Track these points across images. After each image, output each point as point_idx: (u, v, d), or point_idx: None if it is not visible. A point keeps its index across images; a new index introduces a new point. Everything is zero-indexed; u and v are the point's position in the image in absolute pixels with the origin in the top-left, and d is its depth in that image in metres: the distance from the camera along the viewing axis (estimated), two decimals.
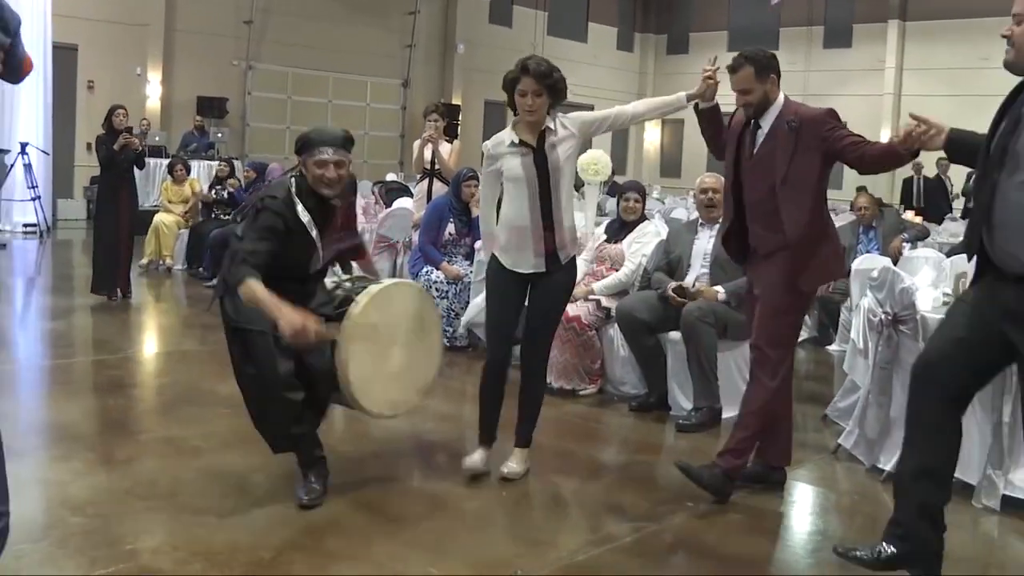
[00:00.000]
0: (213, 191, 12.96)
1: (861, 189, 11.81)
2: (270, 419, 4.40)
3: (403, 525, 4.31)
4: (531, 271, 4.85)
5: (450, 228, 7.97)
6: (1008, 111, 3.42)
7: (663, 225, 8.83)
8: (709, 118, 4.95)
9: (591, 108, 20.04)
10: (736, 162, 4.81)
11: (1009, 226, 3.31)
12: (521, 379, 5.05)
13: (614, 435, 6.16)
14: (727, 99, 4.77)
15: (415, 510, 4.52)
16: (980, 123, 3.55)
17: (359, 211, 7.25)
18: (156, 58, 19.36)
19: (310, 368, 4.35)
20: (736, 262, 5.35)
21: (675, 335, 6.32)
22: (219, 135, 19.08)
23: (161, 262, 12.55)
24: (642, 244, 6.96)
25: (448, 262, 7.89)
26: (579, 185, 10.64)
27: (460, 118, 23.21)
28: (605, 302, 6.78)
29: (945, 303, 5.28)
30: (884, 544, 3.73)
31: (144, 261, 12.27)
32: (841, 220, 11.51)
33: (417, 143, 9.13)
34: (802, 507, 4.96)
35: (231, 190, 12.62)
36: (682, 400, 6.35)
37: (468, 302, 7.71)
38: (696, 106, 4.95)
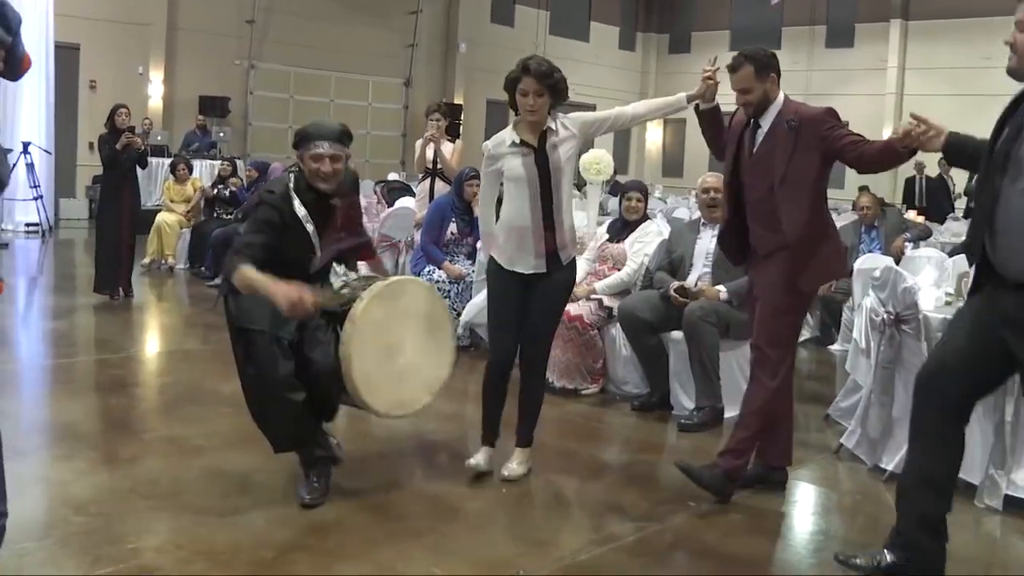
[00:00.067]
0: (215, 189, 12.97)
1: (863, 189, 11.81)
2: (270, 419, 4.40)
3: (405, 525, 4.31)
4: (531, 271, 4.85)
5: (452, 227, 7.97)
6: (1011, 117, 3.41)
7: (665, 225, 8.84)
8: (710, 119, 4.94)
9: (593, 108, 20.06)
10: (736, 162, 4.80)
11: (1011, 232, 3.30)
12: (521, 379, 5.05)
13: (616, 435, 6.16)
14: (728, 99, 4.77)
15: (417, 510, 4.52)
16: (982, 123, 3.55)
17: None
18: (158, 57, 19.38)
19: (314, 366, 4.31)
20: (732, 263, 5.36)
21: (677, 334, 6.32)
22: (221, 134, 19.09)
23: (163, 261, 12.56)
24: (644, 244, 6.95)
25: (450, 261, 7.89)
26: (581, 184, 10.61)
27: (462, 117, 23.21)
28: (607, 301, 6.78)
29: (947, 303, 5.29)
30: (885, 552, 3.74)
31: (146, 260, 12.28)
32: (843, 220, 11.52)
33: (419, 142, 9.13)
34: (804, 507, 4.95)
35: (233, 189, 12.63)
36: (684, 400, 6.35)
37: (470, 299, 7.71)
38: (697, 107, 4.95)
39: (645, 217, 7.19)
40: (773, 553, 4.38)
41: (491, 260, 4.96)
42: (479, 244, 7.47)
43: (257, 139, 21.09)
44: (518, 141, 4.76)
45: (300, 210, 4.36)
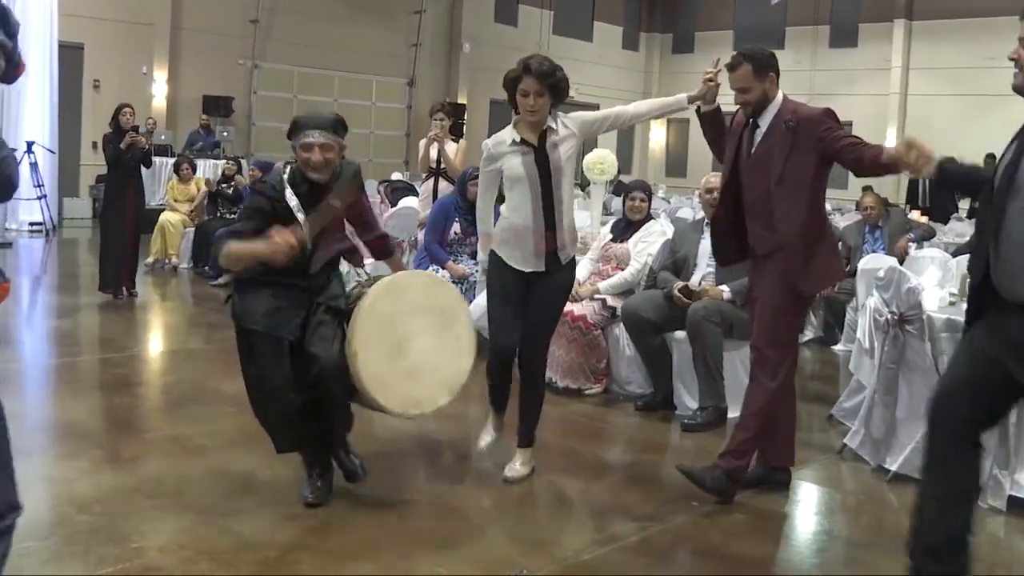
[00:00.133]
0: (218, 186, 12.98)
1: (867, 189, 11.80)
2: (271, 419, 4.39)
3: (408, 524, 4.31)
4: (531, 271, 4.85)
5: (456, 227, 7.97)
6: (1016, 139, 3.39)
7: (669, 224, 8.84)
8: (711, 120, 4.94)
9: (597, 107, 20.05)
10: (735, 162, 4.80)
11: (1014, 252, 3.28)
12: (521, 379, 5.04)
13: (619, 434, 6.16)
14: (729, 100, 4.77)
15: (421, 509, 4.52)
16: (986, 122, 3.57)
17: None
18: (162, 57, 19.40)
19: (316, 363, 4.22)
20: (720, 263, 5.36)
21: (681, 334, 6.31)
22: (225, 134, 19.12)
23: (167, 261, 12.57)
24: (648, 243, 6.95)
25: (454, 261, 7.89)
26: (585, 184, 10.61)
27: (466, 117, 23.21)
28: (611, 301, 6.78)
29: (951, 303, 5.29)
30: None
31: (150, 260, 12.29)
32: (847, 220, 11.54)
33: (423, 142, 9.12)
34: (807, 507, 4.95)
35: (238, 187, 12.63)
36: (688, 400, 6.35)
37: (473, 299, 7.71)
38: (698, 109, 4.95)
39: (649, 217, 7.19)
40: (776, 553, 4.38)
41: (492, 254, 4.95)
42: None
43: (261, 139, 21.09)
44: (518, 140, 4.76)
45: (292, 200, 4.31)
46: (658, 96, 5.39)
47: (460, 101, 24.03)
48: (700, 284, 6.40)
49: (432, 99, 18.78)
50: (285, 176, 4.39)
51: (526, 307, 4.86)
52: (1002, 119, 3.41)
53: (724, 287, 6.26)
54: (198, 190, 13.14)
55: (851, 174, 4.95)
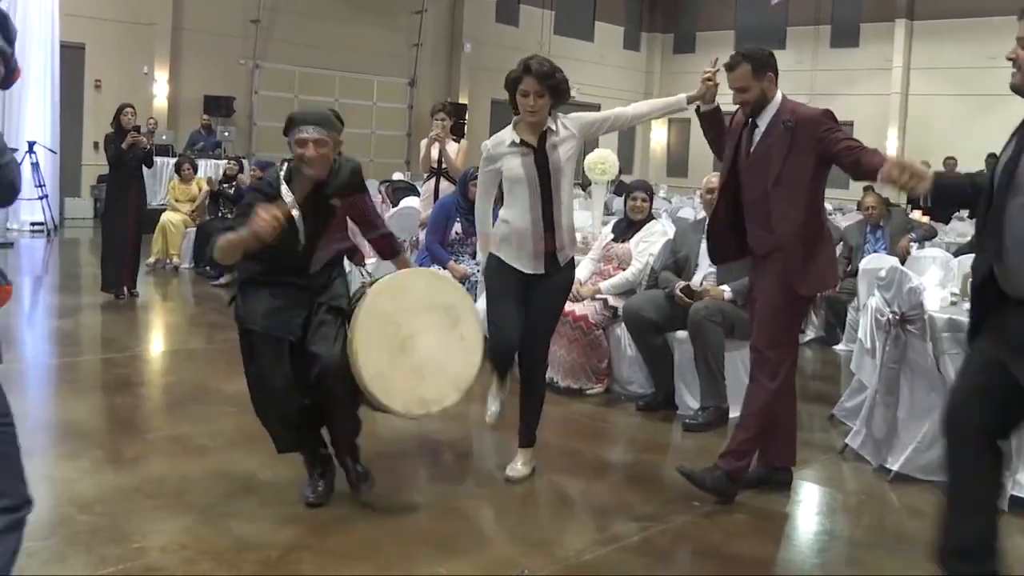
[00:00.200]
0: (220, 186, 12.99)
1: (868, 188, 11.79)
2: (271, 419, 4.38)
3: (410, 524, 4.31)
4: (531, 272, 4.84)
5: (457, 227, 7.96)
6: (1014, 138, 3.38)
7: (670, 224, 8.84)
8: (710, 120, 4.94)
9: (598, 107, 20.04)
10: (733, 161, 4.80)
11: (1015, 249, 3.27)
12: (521, 380, 5.04)
13: (621, 434, 6.16)
14: (728, 99, 4.77)
15: (422, 509, 4.52)
16: (987, 122, 3.56)
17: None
18: (163, 57, 19.40)
19: (317, 362, 4.19)
20: (714, 261, 5.36)
21: (682, 334, 6.31)
22: (226, 134, 19.13)
23: (168, 261, 12.58)
24: (649, 243, 6.95)
25: (455, 261, 7.88)
26: (586, 184, 10.61)
27: (467, 117, 23.21)
28: (612, 301, 6.78)
29: (953, 303, 5.28)
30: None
31: (151, 260, 12.30)
32: (848, 219, 11.53)
33: (424, 142, 9.12)
34: (809, 507, 4.95)
35: (241, 188, 12.64)
36: (689, 399, 6.35)
37: (475, 300, 7.71)
38: (697, 108, 4.94)
39: (650, 217, 7.19)
40: (777, 553, 4.37)
41: (491, 256, 4.94)
42: None
43: (262, 139, 21.09)
44: (518, 141, 4.75)
45: (288, 196, 4.26)
46: (659, 96, 5.38)
47: (461, 101, 24.03)
48: (701, 284, 6.40)
49: (433, 99, 18.78)
50: (282, 173, 4.36)
51: (526, 308, 4.85)
52: (1003, 119, 3.39)
53: (725, 287, 6.26)
54: (199, 190, 13.15)
55: None
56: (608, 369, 6.81)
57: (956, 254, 7.93)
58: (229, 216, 12.20)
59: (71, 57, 17.32)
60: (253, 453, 4.95)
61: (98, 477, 4.67)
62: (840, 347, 8.74)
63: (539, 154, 4.73)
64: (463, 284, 7.70)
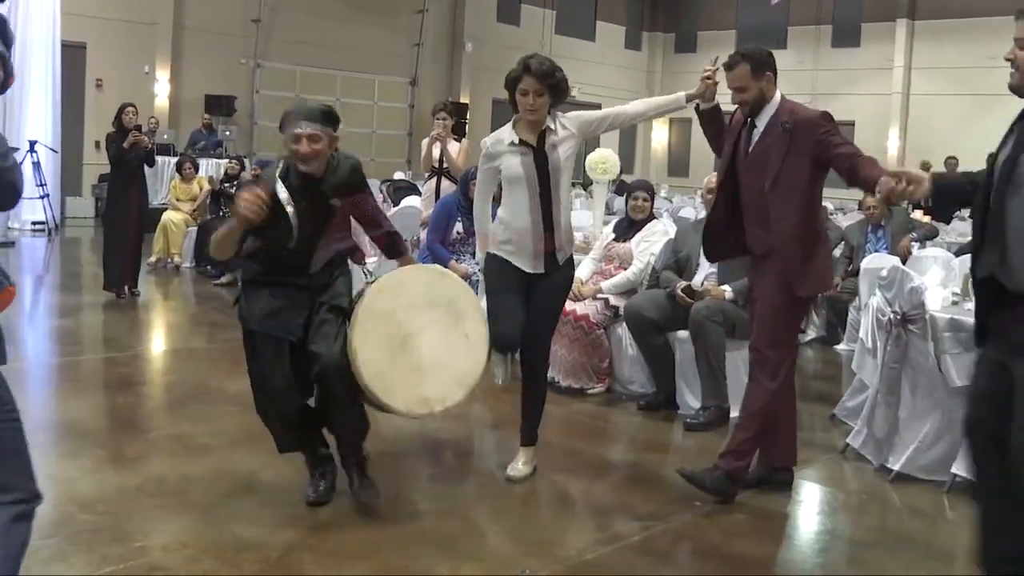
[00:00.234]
0: (221, 185, 12.99)
1: None
2: (271, 419, 4.37)
3: (411, 524, 4.31)
4: (531, 271, 4.85)
5: (458, 227, 7.96)
6: (1012, 134, 3.36)
7: (671, 224, 8.84)
8: (710, 118, 4.94)
9: (599, 107, 19.96)
10: (731, 161, 4.80)
11: (1017, 243, 3.26)
12: (523, 379, 5.04)
13: (622, 434, 6.16)
14: (727, 98, 4.77)
15: (423, 509, 4.52)
16: (988, 121, 3.55)
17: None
18: (164, 56, 19.41)
19: (317, 362, 4.16)
20: (709, 259, 5.37)
21: (683, 334, 6.31)
22: (227, 133, 19.13)
23: (169, 260, 12.58)
24: (650, 243, 6.95)
25: (456, 260, 7.88)
26: (587, 184, 10.60)
27: (468, 117, 23.21)
28: (613, 301, 6.78)
29: (954, 302, 5.28)
30: None
31: (152, 259, 12.30)
32: (850, 219, 11.52)
33: (425, 141, 9.12)
34: (810, 507, 4.95)
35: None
36: (690, 399, 6.35)
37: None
38: (697, 106, 4.94)
39: (651, 216, 7.19)
40: (779, 553, 4.37)
41: (490, 255, 4.94)
42: None
43: (263, 138, 21.09)
44: (517, 140, 4.74)
45: (282, 193, 4.22)
46: (660, 96, 5.38)
47: (462, 100, 24.05)
48: (703, 284, 6.40)
49: (434, 98, 18.78)
50: (278, 171, 4.32)
51: (527, 306, 4.85)
52: (1003, 118, 3.38)
53: (726, 287, 6.26)
54: (200, 189, 13.15)
55: None
56: (609, 369, 6.81)
57: (957, 254, 7.92)
58: (231, 215, 12.24)
59: (72, 56, 17.33)
60: (255, 452, 4.95)
61: (100, 476, 4.68)
62: (841, 347, 8.74)
63: (538, 154, 4.73)
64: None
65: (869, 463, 5.38)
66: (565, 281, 5.03)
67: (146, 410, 6.10)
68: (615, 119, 4.98)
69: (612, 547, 4.18)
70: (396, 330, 4.28)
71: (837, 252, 9.18)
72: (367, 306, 4.25)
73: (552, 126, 4.75)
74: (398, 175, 17.93)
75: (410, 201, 10.71)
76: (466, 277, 7.73)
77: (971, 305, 3.80)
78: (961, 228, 12.80)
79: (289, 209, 4.22)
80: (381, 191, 13.38)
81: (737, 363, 6.25)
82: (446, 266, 7.78)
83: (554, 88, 4.67)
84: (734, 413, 5.98)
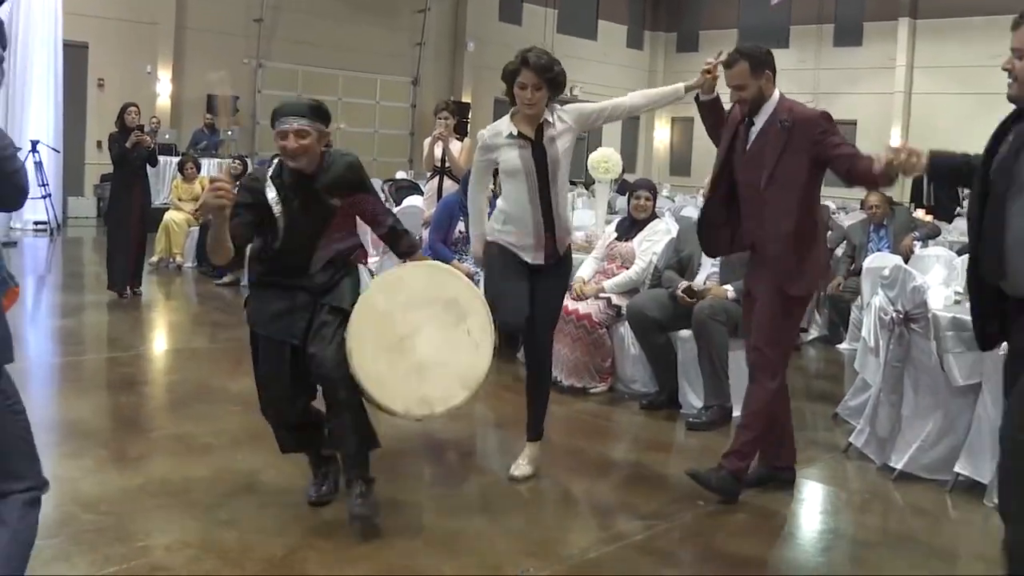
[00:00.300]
0: None
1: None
2: (273, 420, 4.37)
3: (413, 523, 4.31)
4: (531, 262, 4.85)
5: (460, 226, 7.96)
6: (1005, 136, 3.35)
7: (673, 223, 8.83)
8: (709, 108, 4.94)
9: None
10: (727, 157, 4.79)
11: (1015, 251, 3.24)
12: (527, 374, 5.05)
13: (624, 433, 6.16)
14: (726, 96, 4.77)
15: (425, 508, 4.52)
16: (991, 120, 3.52)
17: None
18: (166, 56, 19.40)
19: (315, 364, 4.11)
20: (708, 254, 5.37)
21: (685, 333, 6.31)
22: (229, 133, 19.11)
23: (171, 260, 12.58)
24: (653, 242, 6.95)
25: (458, 260, 7.89)
26: (590, 183, 10.58)
27: (470, 116, 23.20)
28: (616, 300, 6.78)
29: (956, 301, 5.28)
30: None
31: (154, 259, 12.29)
32: (852, 218, 11.52)
33: (427, 141, 9.11)
34: (813, 506, 4.94)
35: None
36: (692, 398, 6.34)
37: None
38: (697, 97, 4.94)
39: (653, 216, 7.19)
40: (782, 552, 4.37)
41: (491, 242, 4.93)
42: None
43: (265, 138, 20.99)
44: (516, 133, 4.74)
45: (270, 192, 4.18)
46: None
47: (464, 100, 24.05)
48: (704, 283, 6.40)
49: (436, 98, 18.77)
50: (270, 170, 4.28)
51: (530, 295, 4.84)
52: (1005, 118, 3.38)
53: (728, 286, 6.26)
54: (202, 189, 13.15)
55: None
56: (612, 368, 6.81)
57: (959, 253, 7.92)
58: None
59: (74, 56, 17.32)
60: (257, 452, 4.96)
61: (102, 476, 4.68)
62: (844, 346, 8.74)
63: (537, 147, 4.72)
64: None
65: (872, 462, 5.38)
66: (565, 273, 5.06)
67: (148, 410, 6.10)
68: (614, 111, 4.97)
69: (615, 546, 4.18)
70: (394, 329, 4.17)
71: (839, 251, 9.19)
72: (363, 306, 4.17)
73: (550, 119, 4.74)
74: (400, 174, 17.94)
75: (412, 200, 10.72)
76: (469, 276, 7.72)
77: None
78: (963, 227, 12.79)
79: (276, 209, 4.18)
80: (383, 190, 13.39)
81: (740, 362, 6.22)
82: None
83: (552, 81, 4.66)
84: (736, 412, 5.98)
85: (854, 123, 24.54)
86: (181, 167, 13.47)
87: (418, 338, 4.20)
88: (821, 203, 5.02)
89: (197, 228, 12.55)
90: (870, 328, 5.76)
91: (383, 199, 12.14)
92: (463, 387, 4.21)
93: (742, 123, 4.73)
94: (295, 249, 4.22)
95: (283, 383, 4.21)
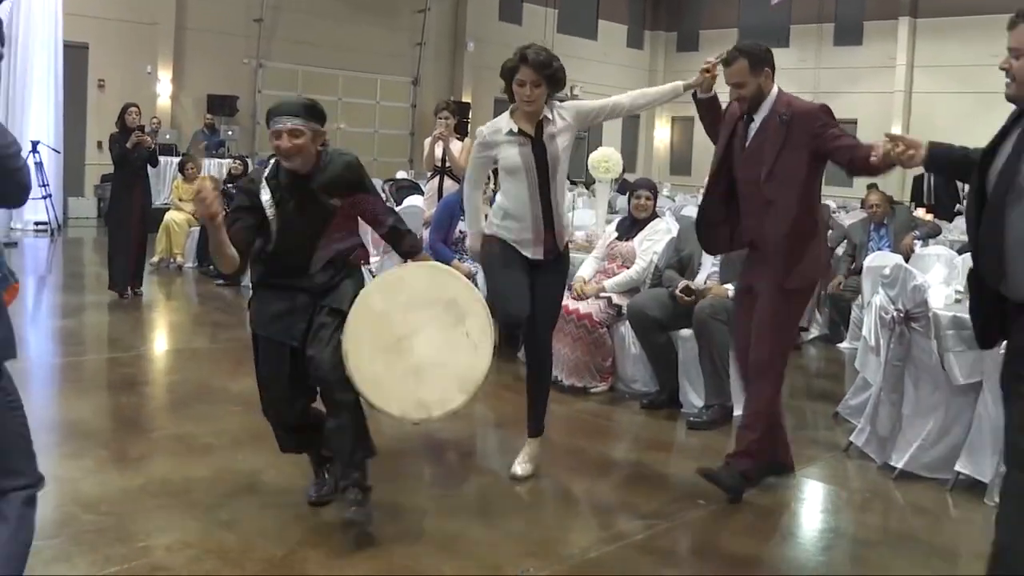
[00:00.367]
0: (225, 185, 12.99)
1: (872, 186, 11.78)
2: (272, 419, 4.36)
3: (414, 523, 4.31)
4: (530, 258, 4.86)
5: (461, 226, 7.96)
6: (1006, 138, 3.34)
7: (674, 223, 8.83)
8: (707, 106, 4.94)
9: None
10: (726, 154, 4.78)
11: (1015, 255, 3.23)
12: (528, 372, 5.05)
13: (625, 433, 6.16)
14: (725, 95, 4.77)
15: (426, 508, 4.52)
16: (991, 119, 3.52)
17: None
18: (166, 56, 19.40)
19: (312, 366, 4.08)
20: (707, 251, 5.37)
21: (686, 332, 6.31)
22: (229, 133, 19.13)
23: (172, 260, 12.59)
24: (653, 242, 6.94)
25: (459, 260, 7.89)
26: (590, 182, 10.58)
27: (470, 116, 23.20)
28: (616, 299, 6.78)
29: (957, 300, 5.27)
30: None
31: (155, 259, 12.29)
32: (852, 217, 11.52)
33: (428, 141, 9.11)
34: (813, 505, 4.94)
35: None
36: (693, 398, 6.34)
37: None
38: (694, 94, 4.94)
39: (654, 215, 7.19)
40: (782, 551, 4.37)
41: (490, 237, 4.93)
42: None
43: (265, 138, 20.87)
44: (515, 130, 4.74)
45: (264, 195, 4.16)
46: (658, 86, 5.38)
47: (464, 100, 24.05)
48: (705, 282, 6.39)
49: (436, 98, 18.77)
50: (266, 171, 4.24)
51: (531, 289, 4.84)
52: (1005, 117, 3.37)
53: (728, 285, 6.25)
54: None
55: None
56: (612, 367, 6.81)
57: (960, 251, 7.93)
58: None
59: (74, 57, 17.32)
60: (258, 452, 4.96)
61: (102, 476, 4.68)
62: (844, 345, 8.73)
63: (537, 144, 4.72)
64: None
65: (872, 461, 5.38)
66: (564, 270, 5.07)
67: (149, 410, 6.10)
68: (613, 110, 4.98)
69: (615, 546, 4.18)
70: (390, 331, 4.09)
71: (840, 250, 9.19)
72: (359, 307, 4.11)
73: (550, 116, 4.74)
74: (400, 174, 17.93)
75: (412, 200, 10.71)
76: (469, 276, 7.72)
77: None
78: (963, 225, 12.78)
79: (270, 212, 4.15)
80: (384, 190, 13.39)
81: None
82: (449, 265, 7.80)
83: (551, 78, 4.65)
84: (737, 411, 5.98)
85: (854, 122, 24.49)
86: (182, 167, 13.48)
87: (416, 339, 4.12)
88: (821, 202, 5.02)
89: (198, 228, 12.55)
90: (871, 327, 5.76)
91: (384, 199, 12.16)
92: (461, 390, 4.11)
93: (741, 120, 4.73)
94: (293, 250, 4.19)
95: (283, 384, 4.20)
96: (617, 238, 7.12)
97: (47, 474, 2.96)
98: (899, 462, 5.16)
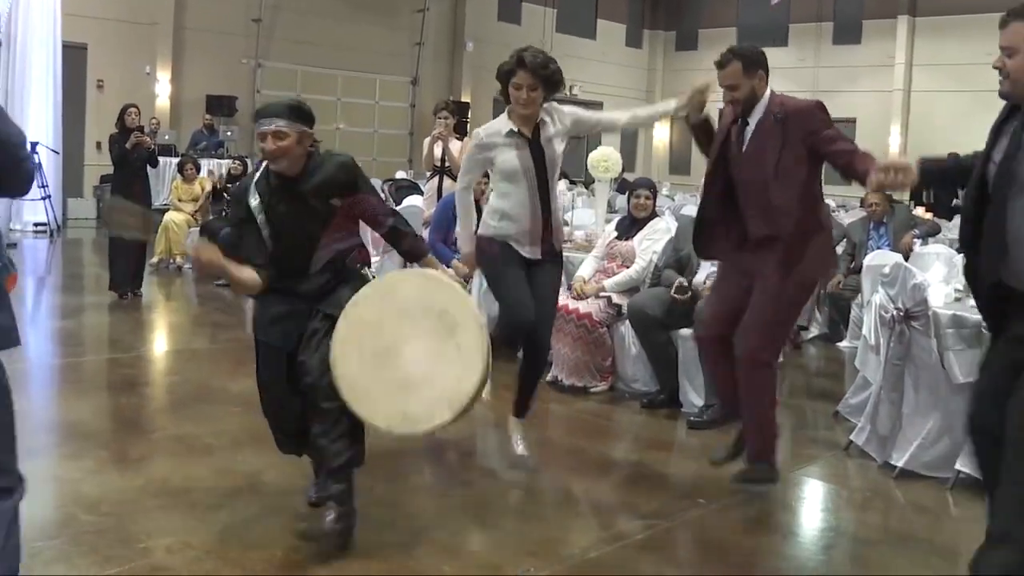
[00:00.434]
0: (225, 187, 13.01)
1: None
2: (271, 421, 4.36)
3: (414, 523, 4.31)
4: (528, 256, 4.88)
5: None
6: (1001, 133, 3.34)
7: (673, 222, 8.82)
8: (701, 129, 4.90)
9: (600, 105, 19.95)
10: (722, 157, 4.76)
11: (1017, 247, 3.24)
12: (525, 360, 5.10)
13: (625, 432, 6.16)
14: (718, 100, 4.75)
15: (426, 508, 4.52)
16: (989, 118, 3.52)
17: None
18: (165, 57, 19.41)
19: (303, 372, 4.03)
20: (702, 256, 5.35)
21: (686, 332, 6.30)
22: (228, 133, 19.13)
23: (171, 261, 12.58)
24: (653, 241, 6.94)
25: (458, 260, 7.88)
26: (589, 182, 10.59)
27: (469, 116, 23.20)
28: (616, 299, 6.78)
29: (957, 299, 5.28)
30: None
31: (154, 260, 12.28)
32: (852, 216, 11.52)
33: (427, 141, 9.11)
34: (814, 504, 4.95)
35: None
36: (693, 397, 6.34)
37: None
38: (687, 118, 4.87)
39: (653, 214, 7.19)
40: (783, 550, 4.37)
41: (486, 238, 4.92)
42: None
43: None
44: (515, 131, 4.74)
45: (252, 200, 4.12)
46: (661, 94, 5.39)
47: (464, 100, 24.05)
48: (705, 282, 6.39)
49: (436, 98, 18.77)
50: (256, 176, 4.21)
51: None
52: None
53: None
54: (202, 190, 13.17)
55: None
56: (612, 367, 6.81)
57: (959, 250, 7.91)
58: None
59: (73, 57, 17.32)
60: (258, 452, 4.95)
61: (103, 477, 4.67)
62: (844, 344, 8.73)
63: (535, 146, 4.73)
64: (466, 283, 7.70)
65: (872, 460, 5.38)
66: (559, 263, 5.12)
67: (149, 411, 6.10)
68: (609, 125, 5.07)
69: (615, 546, 4.18)
70: (379, 341, 3.93)
71: (840, 249, 9.19)
72: (348, 315, 4.00)
73: (547, 119, 4.75)
74: (400, 174, 17.92)
75: (412, 200, 10.71)
76: (468, 276, 7.72)
77: (973, 302, 3.77)
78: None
79: (259, 218, 4.11)
80: (383, 190, 13.39)
81: None
82: (448, 265, 7.79)
83: (548, 81, 4.65)
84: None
85: (853, 121, 24.54)
86: (181, 168, 13.48)
87: (406, 349, 3.94)
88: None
89: (197, 229, 12.55)
90: (870, 326, 5.76)
91: (384, 199, 12.15)
92: (448, 407, 3.87)
93: (735, 123, 4.71)
94: (291, 252, 4.16)
95: (281, 388, 4.19)
96: (617, 237, 7.12)
97: (47, 475, 2.96)
98: (899, 461, 5.17)
